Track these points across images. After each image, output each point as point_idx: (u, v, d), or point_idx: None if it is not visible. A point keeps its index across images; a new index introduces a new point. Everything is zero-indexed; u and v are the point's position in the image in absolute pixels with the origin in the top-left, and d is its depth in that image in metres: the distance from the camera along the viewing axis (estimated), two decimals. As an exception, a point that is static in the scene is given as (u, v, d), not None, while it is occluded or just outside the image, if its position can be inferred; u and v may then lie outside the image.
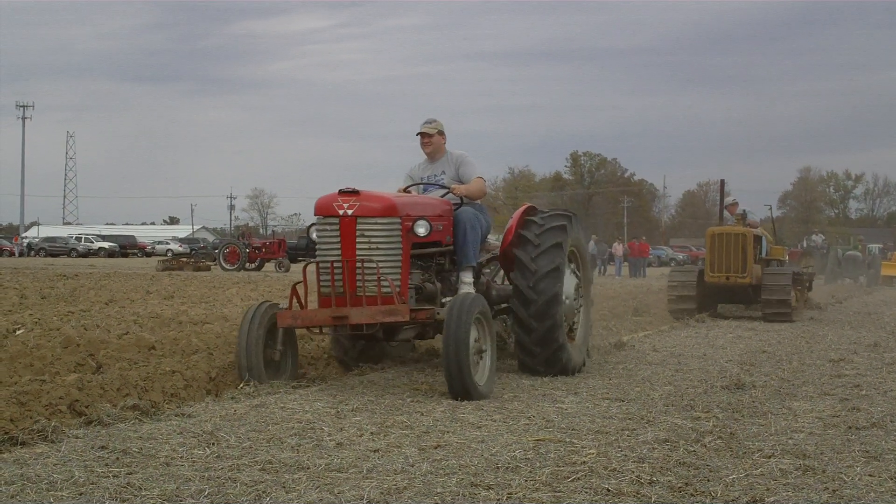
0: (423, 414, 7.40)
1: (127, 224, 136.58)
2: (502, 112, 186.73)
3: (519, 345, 9.66)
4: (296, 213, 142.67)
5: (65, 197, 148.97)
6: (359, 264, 8.33)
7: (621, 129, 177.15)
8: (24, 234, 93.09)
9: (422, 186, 10.10)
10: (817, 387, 9.31)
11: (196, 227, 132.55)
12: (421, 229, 8.60)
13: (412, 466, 5.63)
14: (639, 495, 5.10)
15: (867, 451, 6.29)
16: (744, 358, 11.73)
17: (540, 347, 9.50)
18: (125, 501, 4.85)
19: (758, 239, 19.30)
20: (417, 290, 8.99)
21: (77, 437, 6.24)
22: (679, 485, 5.31)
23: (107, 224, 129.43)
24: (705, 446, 6.36)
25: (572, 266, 10.32)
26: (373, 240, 8.42)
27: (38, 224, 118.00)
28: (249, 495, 4.98)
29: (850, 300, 26.81)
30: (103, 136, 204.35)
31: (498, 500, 4.97)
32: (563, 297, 9.66)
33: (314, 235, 8.70)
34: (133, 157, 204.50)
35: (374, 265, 8.31)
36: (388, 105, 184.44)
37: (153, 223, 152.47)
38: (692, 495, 5.13)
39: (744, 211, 19.99)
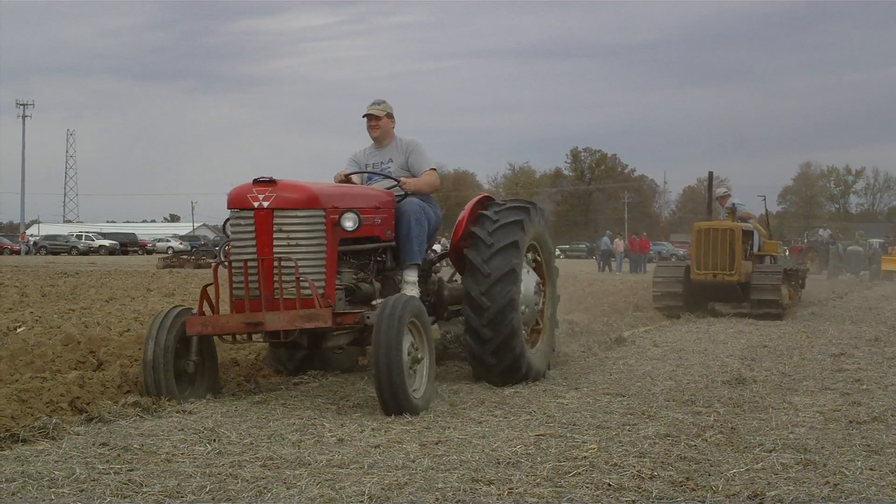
0: (423, 409, 7.40)
1: (127, 222, 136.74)
2: (503, 109, 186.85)
3: (472, 355, 8.73)
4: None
5: (65, 195, 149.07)
6: (276, 263, 7.40)
7: (621, 125, 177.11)
8: (28, 233, 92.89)
9: (366, 175, 9.23)
10: (818, 381, 9.31)
11: (197, 225, 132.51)
12: (348, 223, 7.63)
13: (413, 462, 5.63)
14: (640, 490, 5.10)
15: (868, 446, 6.29)
16: (744, 353, 11.73)
17: (495, 358, 8.60)
18: (126, 498, 4.85)
19: (749, 234, 18.44)
20: (349, 291, 8.04)
21: (78, 434, 6.25)
22: (680, 479, 5.31)
23: (107, 222, 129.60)
24: (706, 441, 6.36)
25: (532, 257, 9.55)
26: (292, 235, 7.47)
27: (39, 222, 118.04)
28: (251, 491, 4.98)
29: (850, 295, 26.80)
30: (104, 134, 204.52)
31: (499, 495, 4.97)
32: (522, 301, 8.85)
33: (229, 231, 7.80)
34: (133, 155, 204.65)
35: (293, 264, 7.38)
36: (390, 102, 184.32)
37: (154, 221, 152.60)
38: (693, 490, 5.14)
39: (733, 204, 18.99)
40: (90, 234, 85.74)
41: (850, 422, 7.15)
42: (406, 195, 8.82)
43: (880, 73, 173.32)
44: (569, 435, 6.51)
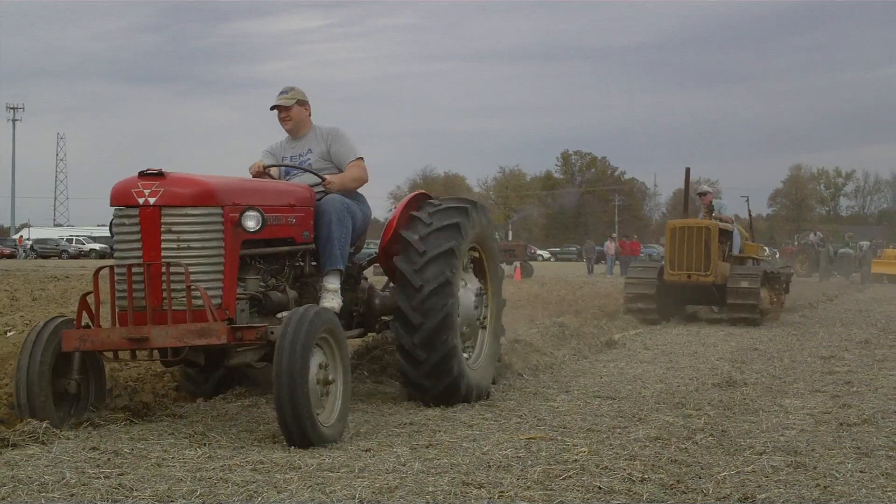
0: (414, 413, 7.40)
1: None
2: (493, 111, 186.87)
3: (404, 377, 7.87)
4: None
5: (55, 198, 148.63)
6: (164, 269, 6.42)
7: (612, 128, 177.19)
8: (22, 236, 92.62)
9: (283, 170, 8.20)
10: (808, 384, 9.34)
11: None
12: (250, 222, 6.62)
13: (403, 466, 5.63)
14: (630, 493, 5.10)
15: (858, 448, 6.31)
16: (735, 355, 11.75)
17: (431, 381, 7.71)
18: (117, 502, 4.84)
19: (727, 234, 17.55)
20: (255, 300, 7.04)
21: (68, 439, 6.22)
22: (671, 482, 5.32)
23: (98, 225, 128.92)
24: (697, 444, 6.37)
25: (472, 266, 8.57)
26: (183, 236, 6.48)
27: (30, 226, 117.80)
28: (241, 495, 4.97)
29: (841, 297, 26.86)
30: (94, 138, 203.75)
31: (489, 498, 4.97)
32: (460, 314, 7.99)
33: (113, 232, 6.79)
34: (124, 159, 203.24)
35: (183, 270, 6.41)
36: (382, 105, 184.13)
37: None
38: (683, 493, 5.14)
39: (710, 203, 18.07)
40: (80, 238, 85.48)
41: (841, 424, 7.17)
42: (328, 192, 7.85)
43: (871, 74, 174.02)
44: (559, 438, 6.52)
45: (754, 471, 5.62)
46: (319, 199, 7.73)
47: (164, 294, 6.43)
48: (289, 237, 7.37)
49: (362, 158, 8.09)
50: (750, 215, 22.20)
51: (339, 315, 7.32)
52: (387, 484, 5.18)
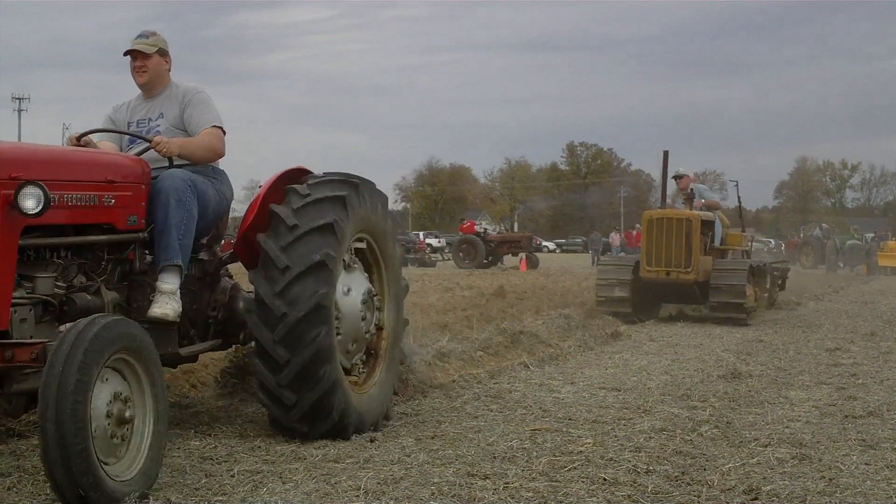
0: (419, 403, 7.40)
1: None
2: (499, 102, 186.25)
3: (272, 418, 6.15)
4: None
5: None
6: None
7: (618, 119, 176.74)
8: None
9: (126, 139, 6.48)
10: (814, 376, 9.33)
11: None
12: (28, 202, 4.77)
13: (409, 456, 5.64)
14: (635, 484, 5.11)
15: (863, 440, 6.31)
16: (740, 347, 11.74)
17: (307, 425, 6.05)
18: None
19: (709, 224, 15.83)
20: (49, 306, 5.19)
21: (74, 429, 6.22)
22: (675, 474, 5.32)
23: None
24: (702, 435, 6.37)
25: (356, 261, 6.66)
26: None
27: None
28: (246, 485, 4.98)
29: (846, 289, 26.84)
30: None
31: (495, 489, 4.97)
32: (342, 331, 6.29)
33: None
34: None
35: None
36: (387, 96, 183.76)
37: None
38: (688, 484, 5.14)
39: (691, 189, 16.21)
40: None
41: (846, 416, 7.17)
42: (170, 164, 6.12)
43: (878, 65, 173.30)
44: (564, 429, 6.52)
45: (759, 463, 5.62)
46: (155, 176, 5.96)
47: None
48: (106, 223, 5.59)
49: (221, 129, 6.40)
50: (739, 201, 20.16)
51: (192, 323, 6.27)
52: (392, 475, 5.19)
